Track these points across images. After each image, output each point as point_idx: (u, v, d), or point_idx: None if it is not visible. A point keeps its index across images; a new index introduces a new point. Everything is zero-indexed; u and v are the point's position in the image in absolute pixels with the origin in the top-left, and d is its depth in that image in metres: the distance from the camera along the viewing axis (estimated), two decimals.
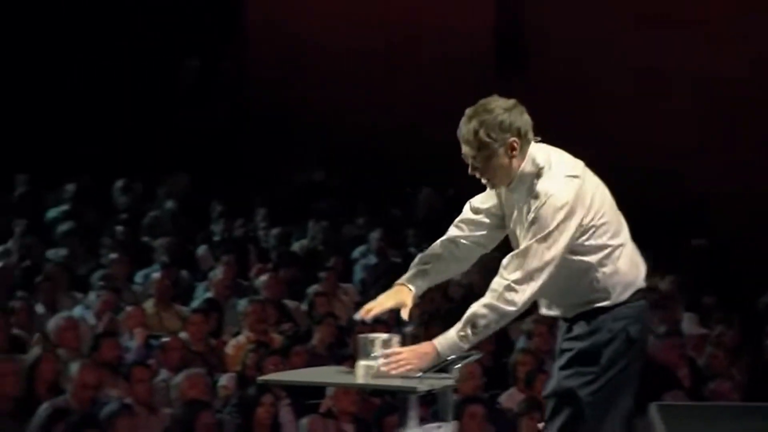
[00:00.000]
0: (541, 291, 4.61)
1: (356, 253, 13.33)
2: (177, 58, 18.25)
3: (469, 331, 4.58)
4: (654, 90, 14.91)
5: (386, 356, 4.66)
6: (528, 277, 4.55)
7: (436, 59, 16.38)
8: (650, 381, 9.28)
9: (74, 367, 8.35)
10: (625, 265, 4.72)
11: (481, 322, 4.57)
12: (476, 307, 4.58)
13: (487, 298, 4.57)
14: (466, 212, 4.90)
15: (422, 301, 11.09)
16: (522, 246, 4.59)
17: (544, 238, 4.55)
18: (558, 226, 4.55)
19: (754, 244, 13.83)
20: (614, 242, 4.70)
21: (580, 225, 4.59)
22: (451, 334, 4.60)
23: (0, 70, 16.40)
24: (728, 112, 14.52)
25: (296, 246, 13.62)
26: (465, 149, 4.67)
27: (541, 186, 4.60)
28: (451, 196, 13.24)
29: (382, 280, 11.45)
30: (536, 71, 15.83)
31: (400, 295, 4.81)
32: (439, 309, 11.00)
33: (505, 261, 4.62)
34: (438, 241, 4.91)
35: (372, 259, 12.86)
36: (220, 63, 18.67)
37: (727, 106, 14.51)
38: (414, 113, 15.12)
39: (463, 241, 4.87)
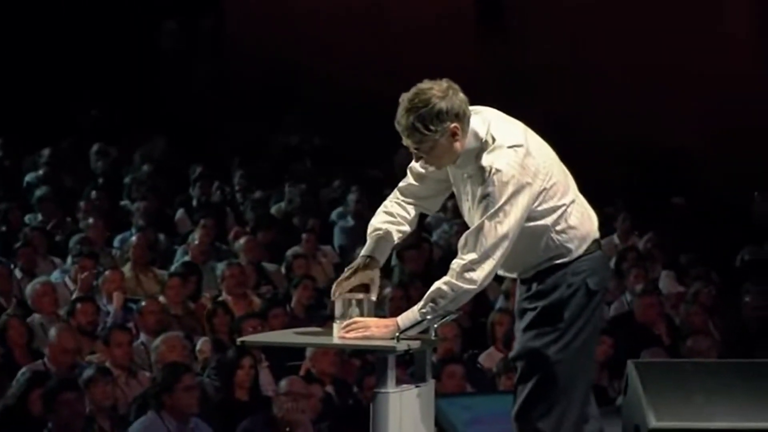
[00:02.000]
0: (500, 265, 4.62)
1: (334, 215, 13.34)
2: (155, 20, 18.15)
3: (429, 309, 4.61)
4: (632, 49, 14.90)
5: (348, 324, 4.70)
6: (484, 255, 4.56)
7: (416, 18, 16.32)
8: (629, 339, 9.40)
9: (52, 332, 8.36)
10: (578, 220, 4.73)
11: (441, 301, 4.60)
12: (438, 285, 4.61)
13: (448, 277, 4.60)
14: (409, 178, 4.90)
15: (403, 262, 11.20)
16: (475, 224, 4.61)
17: (495, 214, 4.56)
18: (508, 200, 4.56)
19: (732, 201, 13.89)
20: (565, 200, 4.70)
21: (532, 194, 4.60)
22: (413, 311, 4.65)
23: None
24: (708, 69, 14.53)
25: (274, 209, 13.61)
26: (406, 141, 4.66)
27: (486, 161, 4.59)
28: None
29: (361, 242, 11.46)
30: (515, 29, 15.80)
31: (368, 271, 4.82)
32: (419, 270, 11.03)
33: (461, 240, 4.64)
34: (385, 206, 4.92)
35: (350, 221, 12.87)
36: (198, 25, 18.59)
37: (707, 63, 14.53)
38: (393, 72, 15.09)
39: (409, 206, 4.90)
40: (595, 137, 14.44)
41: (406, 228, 4.90)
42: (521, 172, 4.58)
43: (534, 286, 4.75)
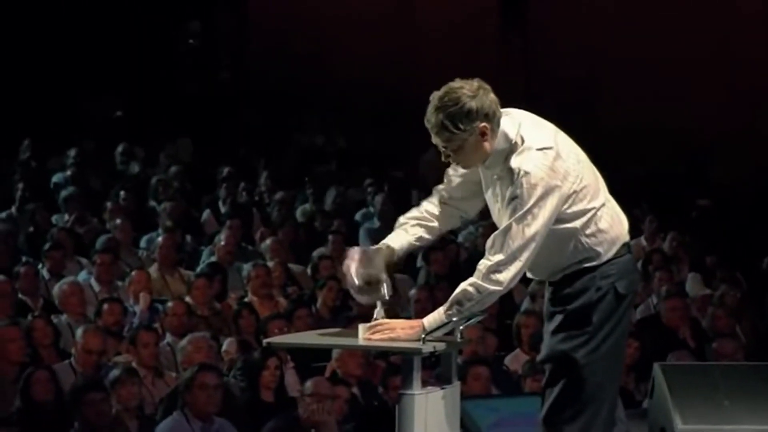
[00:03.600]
0: (526, 267, 4.62)
1: (359, 216, 13.35)
2: (177, 21, 18.21)
3: (455, 310, 4.61)
4: (657, 51, 14.86)
5: (373, 325, 4.71)
6: (511, 257, 4.56)
7: (440, 17, 16.32)
8: (655, 341, 9.37)
9: (79, 332, 8.39)
10: (608, 224, 4.71)
11: (467, 302, 4.60)
12: (463, 287, 4.61)
13: (474, 278, 4.59)
14: (447, 180, 4.91)
15: (429, 264, 11.20)
16: (503, 225, 4.60)
17: (524, 216, 4.55)
18: (536, 203, 4.55)
19: (759, 204, 13.83)
20: (595, 204, 4.68)
21: (561, 196, 4.58)
22: (439, 312, 4.64)
23: (2, 36, 16.37)
24: (735, 71, 14.47)
25: (299, 210, 13.63)
26: (435, 139, 4.67)
27: (515, 163, 4.59)
28: None
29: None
30: (537, 29, 15.78)
31: (379, 259, 4.81)
32: (444, 271, 11.03)
33: (489, 242, 4.63)
34: (421, 205, 4.94)
35: (375, 223, 12.88)
36: (220, 26, 18.64)
37: (733, 66, 14.47)
38: (418, 73, 15.10)
39: (444, 205, 4.91)
40: (618, 139, 14.42)
41: (434, 224, 4.89)
42: (550, 174, 4.57)
43: (562, 290, 4.74)
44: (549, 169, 4.57)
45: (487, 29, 15.89)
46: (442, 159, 4.78)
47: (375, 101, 16.04)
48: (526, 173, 4.56)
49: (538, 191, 4.55)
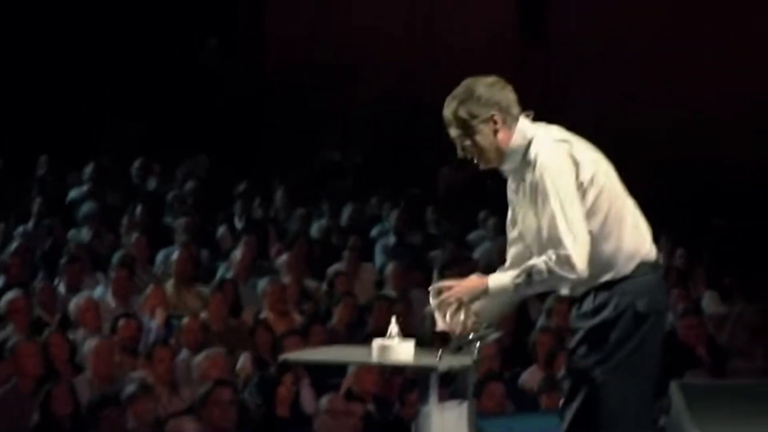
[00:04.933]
0: (587, 244, 4.56)
1: (374, 232, 13.33)
2: (196, 38, 18.26)
3: (523, 281, 4.61)
4: (675, 66, 14.81)
5: (438, 290, 4.75)
6: (569, 242, 4.53)
7: (457, 29, 16.30)
8: (671, 359, 9.34)
9: (88, 346, 8.40)
10: (626, 236, 4.69)
11: (537, 276, 4.59)
12: (536, 262, 4.59)
13: (545, 259, 4.57)
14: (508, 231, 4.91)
15: (445, 279, 11.15)
16: (546, 220, 4.57)
17: (554, 201, 4.54)
18: (557, 186, 4.55)
19: None
20: (611, 212, 4.67)
21: (578, 181, 4.59)
22: (506, 278, 4.65)
23: (20, 53, 16.44)
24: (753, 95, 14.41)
25: (315, 226, 13.63)
26: (450, 131, 4.72)
27: (531, 154, 4.63)
28: (471, 175, 13.25)
29: (401, 260, 11.48)
30: (557, 39, 15.75)
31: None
32: None
33: (540, 238, 4.62)
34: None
35: (391, 239, 12.86)
36: (238, 43, 18.69)
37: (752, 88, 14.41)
38: (434, 87, 15.07)
39: (517, 245, 4.87)
40: (635, 156, 14.36)
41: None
42: (564, 159, 4.59)
43: (583, 306, 4.73)
44: (564, 156, 4.60)
45: (506, 47, 15.85)
46: (458, 154, 4.77)
47: (391, 118, 16.05)
48: (542, 159, 4.58)
49: (554, 175, 4.56)
